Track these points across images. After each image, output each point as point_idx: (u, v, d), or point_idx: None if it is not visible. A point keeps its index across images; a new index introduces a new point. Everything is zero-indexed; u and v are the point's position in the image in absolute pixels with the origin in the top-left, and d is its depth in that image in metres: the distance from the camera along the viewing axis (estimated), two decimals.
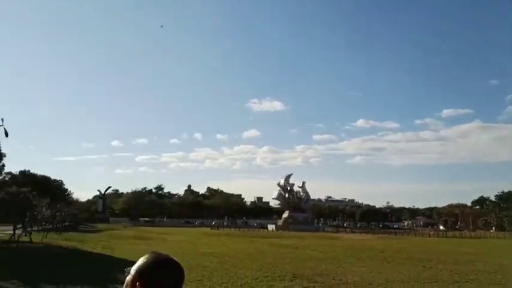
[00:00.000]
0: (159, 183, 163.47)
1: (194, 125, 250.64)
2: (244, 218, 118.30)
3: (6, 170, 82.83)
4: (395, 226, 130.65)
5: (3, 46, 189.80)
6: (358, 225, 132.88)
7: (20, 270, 13.18)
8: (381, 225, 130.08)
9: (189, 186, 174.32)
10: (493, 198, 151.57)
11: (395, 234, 77.12)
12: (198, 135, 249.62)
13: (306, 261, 21.63)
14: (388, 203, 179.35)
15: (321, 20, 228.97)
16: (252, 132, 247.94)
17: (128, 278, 1.74)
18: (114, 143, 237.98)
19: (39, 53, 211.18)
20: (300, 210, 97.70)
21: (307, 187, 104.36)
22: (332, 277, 15.49)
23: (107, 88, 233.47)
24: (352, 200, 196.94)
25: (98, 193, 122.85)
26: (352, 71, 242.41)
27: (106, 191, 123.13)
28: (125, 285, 1.73)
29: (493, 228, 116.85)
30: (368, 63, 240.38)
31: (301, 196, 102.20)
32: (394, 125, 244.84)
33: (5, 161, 37.55)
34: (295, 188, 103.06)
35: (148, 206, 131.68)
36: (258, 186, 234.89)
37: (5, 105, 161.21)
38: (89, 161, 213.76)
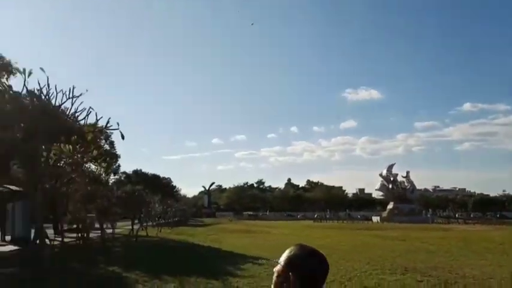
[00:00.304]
0: (260, 178, 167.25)
1: (290, 119, 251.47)
2: (346, 210, 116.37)
3: (121, 170, 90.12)
4: None
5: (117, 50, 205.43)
6: (471, 215, 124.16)
7: (141, 262, 14.23)
8: (497, 215, 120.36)
9: (289, 179, 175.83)
10: None
11: None
12: (294, 129, 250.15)
13: (416, 253, 20.69)
14: (504, 191, 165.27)
15: (412, 4, 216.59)
16: (349, 123, 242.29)
17: (278, 268, 1.82)
18: (215, 140, 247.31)
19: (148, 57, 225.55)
20: (406, 201, 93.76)
21: (412, 177, 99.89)
22: (447, 270, 14.64)
23: (205, 88, 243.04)
24: (463, 189, 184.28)
25: (202, 189, 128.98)
26: (451, 53, 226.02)
27: (210, 186, 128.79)
28: (275, 275, 1.82)
29: None
30: (468, 43, 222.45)
31: (406, 186, 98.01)
32: (506, 107, 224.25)
33: (119, 161, 40.90)
34: (399, 178, 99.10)
35: (251, 200, 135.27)
36: (358, 178, 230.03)
37: (120, 108, 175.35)
38: (192, 159, 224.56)
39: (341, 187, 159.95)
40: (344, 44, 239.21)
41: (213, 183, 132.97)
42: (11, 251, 17.20)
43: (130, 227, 25.38)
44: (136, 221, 28.53)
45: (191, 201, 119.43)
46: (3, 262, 14.17)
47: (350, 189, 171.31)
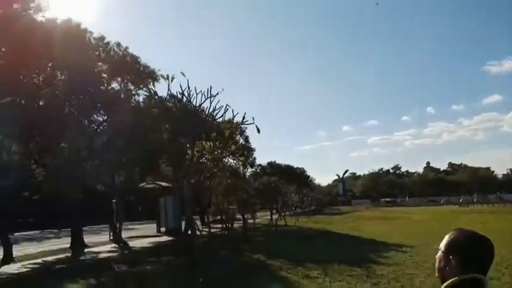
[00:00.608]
0: (395, 163, 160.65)
1: (424, 99, 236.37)
2: (497, 192, 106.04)
3: (257, 162, 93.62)
4: None
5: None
6: None
7: (283, 250, 14.68)
8: None
9: (428, 163, 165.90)
10: None
11: None
12: (430, 109, 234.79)
13: None
14: None
15: None
16: (494, 98, 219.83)
17: (439, 254, 1.91)
18: (345, 128, 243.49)
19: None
20: None
21: None
22: None
23: (331, 76, 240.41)
24: None
25: (336, 177, 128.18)
26: None
27: (344, 174, 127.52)
28: (437, 261, 1.93)
29: None
30: None
31: None
32: None
33: (255, 154, 42.40)
34: None
35: (388, 186, 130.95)
36: (508, 157, 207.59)
37: (253, 103, 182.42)
38: (324, 148, 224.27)
39: (489, 168, 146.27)
40: (482, 11, 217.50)
41: (346, 171, 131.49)
42: (166, 241, 19.04)
43: (269, 217, 26.29)
44: (274, 211, 29.44)
45: (326, 190, 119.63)
46: (161, 252, 15.76)
47: (499, 170, 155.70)
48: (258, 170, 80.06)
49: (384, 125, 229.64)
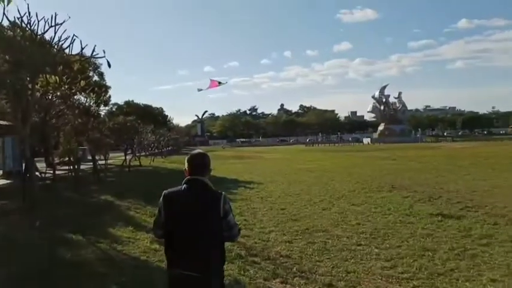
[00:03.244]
0: (253, 105, 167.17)
1: (283, 43, 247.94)
2: (338, 133, 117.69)
3: (113, 101, 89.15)
4: (502, 132, 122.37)
5: None
6: (459, 133, 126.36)
7: (134, 190, 14.53)
8: (485, 132, 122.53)
9: (282, 105, 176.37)
10: None
11: (502, 141, 72.31)
12: (287, 53, 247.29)
13: (404, 172, 21.25)
14: (493, 108, 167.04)
15: None
16: (344, 45, 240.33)
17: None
18: (207, 68, 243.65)
19: None
20: (397, 122, 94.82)
21: (404, 97, 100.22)
22: (433, 186, 15.11)
23: (195, 14, 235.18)
24: (453, 108, 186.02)
25: (195, 118, 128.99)
26: None
27: (203, 115, 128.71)
28: None
29: None
30: None
31: (398, 107, 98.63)
32: (502, 21, 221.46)
33: (111, 93, 40.14)
34: (391, 100, 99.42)
35: (244, 127, 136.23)
36: (351, 101, 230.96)
37: (108, 39, 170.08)
38: (184, 88, 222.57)
39: (333, 111, 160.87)
40: None
41: (205, 112, 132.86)
42: (1, 185, 17.44)
43: (123, 158, 25.69)
44: (129, 152, 28.77)
45: (184, 130, 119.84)
46: None
47: (343, 113, 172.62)
48: (113, 109, 76.57)
49: (245, 67, 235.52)
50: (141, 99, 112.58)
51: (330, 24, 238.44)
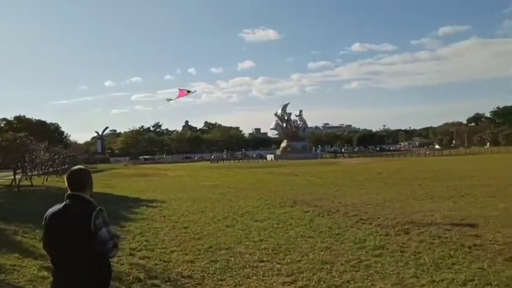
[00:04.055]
0: (157, 121, 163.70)
1: (188, 60, 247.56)
2: (243, 149, 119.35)
3: (1, 116, 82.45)
4: (392, 148, 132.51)
5: None
6: (355, 149, 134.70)
7: (22, 212, 13.33)
8: (377, 149, 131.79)
9: (187, 121, 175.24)
10: (488, 115, 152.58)
11: (392, 156, 78.28)
12: (192, 70, 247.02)
13: (305, 187, 22.00)
14: (384, 126, 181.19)
15: None
16: (247, 64, 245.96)
17: None
18: (108, 83, 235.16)
19: None
20: (298, 139, 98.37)
21: (305, 115, 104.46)
22: (331, 200, 15.78)
23: (94, 27, 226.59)
24: (350, 126, 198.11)
25: (95, 134, 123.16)
26: None
27: (104, 131, 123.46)
28: None
29: (488, 144, 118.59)
30: None
31: (299, 125, 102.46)
32: (391, 47, 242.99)
33: None
34: (293, 117, 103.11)
35: (147, 144, 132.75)
36: (255, 118, 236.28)
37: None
38: (84, 103, 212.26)
39: (238, 127, 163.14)
40: None
41: (106, 128, 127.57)
42: None
43: (12, 177, 23.63)
44: (19, 171, 26.55)
45: (83, 148, 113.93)
46: None
47: (247, 130, 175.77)
48: (1, 125, 70.68)
49: (148, 82, 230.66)
50: (35, 115, 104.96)
51: (233, 43, 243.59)
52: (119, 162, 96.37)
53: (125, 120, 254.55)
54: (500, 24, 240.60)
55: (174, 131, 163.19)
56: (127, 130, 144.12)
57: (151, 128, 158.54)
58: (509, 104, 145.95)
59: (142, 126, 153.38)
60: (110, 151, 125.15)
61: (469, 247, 7.98)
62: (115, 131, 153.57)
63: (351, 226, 10.55)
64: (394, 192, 18.00)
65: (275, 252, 8.25)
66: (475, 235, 8.94)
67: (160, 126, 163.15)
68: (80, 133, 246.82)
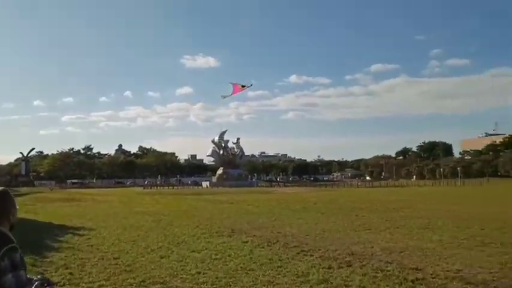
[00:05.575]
0: (88, 144, 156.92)
1: (124, 83, 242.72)
2: (178, 176, 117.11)
3: None
4: (325, 178, 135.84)
5: None
6: (290, 179, 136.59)
7: None
8: (311, 178, 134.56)
9: (120, 145, 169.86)
10: (415, 149, 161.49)
11: (326, 186, 80.00)
12: (128, 93, 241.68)
13: (243, 216, 21.55)
14: (319, 156, 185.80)
15: None
16: (186, 89, 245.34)
17: None
18: (37, 102, 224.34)
19: None
20: (235, 167, 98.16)
21: (242, 143, 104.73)
22: (270, 230, 15.43)
23: (26, 42, 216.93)
24: (285, 155, 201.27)
25: (20, 155, 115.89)
26: (282, 27, 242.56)
27: (29, 153, 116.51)
28: None
29: (414, 177, 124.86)
30: (299, 19, 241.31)
31: (236, 152, 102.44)
32: (326, 80, 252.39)
33: None
34: (230, 145, 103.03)
35: (77, 167, 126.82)
36: (192, 144, 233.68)
37: None
38: (9, 122, 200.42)
39: (174, 153, 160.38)
40: (181, 10, 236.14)
41: (32, 149, 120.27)
42: None
43: None
44: None
45: (4, 169, 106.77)
46: None
47: (183, 156, 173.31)
48: None
49: (81, 103, 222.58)
50: None
51: (173, 68, 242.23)
52: (45, 186, 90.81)
53: (54, 141, 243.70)
54: (427, 65, 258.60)
55: (106, 154, 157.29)
56: (55, 152, 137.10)
57: (82, 151, 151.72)
58: (432, 140, 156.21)
59: (72, 148, 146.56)
60: (35, 174, 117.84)
61: (412, 281, 7.88)
62: (42, 152, 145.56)
63: (292, 258, 10.22)
64: (332, 222, 17.99)
65: (214, 286, 7.70)
66: (416, 268, 8.91)
67: (92, 149, 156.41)
68: (4, 154, 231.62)
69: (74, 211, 25.93)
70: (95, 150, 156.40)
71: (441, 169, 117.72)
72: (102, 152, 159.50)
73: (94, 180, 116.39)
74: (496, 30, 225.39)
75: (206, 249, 11.66)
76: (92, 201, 37.24)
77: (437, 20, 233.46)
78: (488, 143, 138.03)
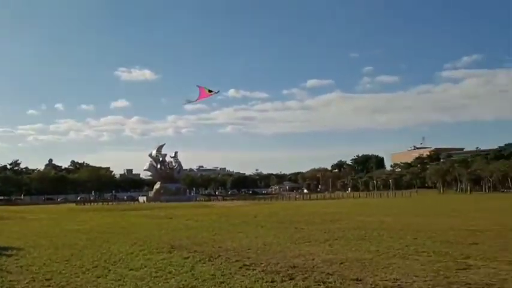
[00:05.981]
0: (15, 159, 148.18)
1: (55, 95, 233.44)
2: (113, 191, 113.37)
3: None
4: (264, 192, 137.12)
5: None
6: (229, 192, 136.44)
7: None
8: (250, 192, 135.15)
9: (50, 160, 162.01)
10: (349, 162, 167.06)
11: (264, 200, 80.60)
12: (59, 106, 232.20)
13: (182, 231, 21.13)
14: (257, 170, 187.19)
15: None
16: (121, 103, 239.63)
17: None
18: None
19: None
20: (172, 181, 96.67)
21: (180, 157, 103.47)
22: (211, 245, 15.22)
23: None
24: (224, 169, 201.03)
25: None
26: (221, 41, 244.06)
27: None
28: None
29: (349, 189, 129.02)
30: (237, 34, 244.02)
31: (174, 166, 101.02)
32: (264, 94, 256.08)
33: None
34: (167, 159, 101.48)
35: (3, 183, 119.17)
36: (127, 158, 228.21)
37: None
38: None
39: (109, 168, 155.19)
40: (119, 22, 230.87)
41: None
42: None
43: None
44: None
45: None
46: None
47: (118, 170, 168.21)
48: None
49: (7, 116, 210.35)
50: None
51: (107, 81, 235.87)
52: None
53: None
54: (360, 81, 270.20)
55: (35, 169, 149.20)
56: None
57: (8, 166, 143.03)
58: (365, 153, 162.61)
59: None
60: None
61: None
62: None
63: (235, 273, 10.11)
64: (272, 235, 18.06)
65: None
66: (356, 279, 9.09)
67: (19, 164, 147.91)
68: None
69: (1, 230, 24.28)
70: (22, 165, 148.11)
71: (374, 181, 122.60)
72: (31, 167, 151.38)
73: (22, 197, 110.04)
74: (423, 50, 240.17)
75: (145, 266, 11.27)
76: (20, 219, 35.10)
77: (370, 38, 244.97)
78: (417, 156, 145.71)
